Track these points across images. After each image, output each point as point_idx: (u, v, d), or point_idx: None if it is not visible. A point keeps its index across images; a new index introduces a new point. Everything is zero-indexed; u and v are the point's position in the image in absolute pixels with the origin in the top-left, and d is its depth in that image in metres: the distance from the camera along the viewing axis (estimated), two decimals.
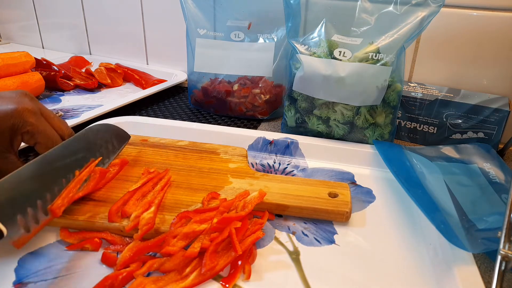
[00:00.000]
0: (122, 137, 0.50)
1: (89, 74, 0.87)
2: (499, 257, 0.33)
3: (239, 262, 0.35)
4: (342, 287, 0.35)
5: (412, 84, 0.67)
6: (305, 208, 0.43)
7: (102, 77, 0.86)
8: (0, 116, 0.38)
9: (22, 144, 0.42)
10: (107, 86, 0.86)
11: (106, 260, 0.36)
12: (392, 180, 0.51)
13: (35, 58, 0.79)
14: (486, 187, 0.47)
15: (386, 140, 0.58)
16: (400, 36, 0.54)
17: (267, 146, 0.58)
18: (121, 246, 0.37)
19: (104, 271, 0.35)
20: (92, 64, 0.98)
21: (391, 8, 0.55)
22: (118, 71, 0.89)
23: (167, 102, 0.81)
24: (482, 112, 0.58)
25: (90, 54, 1.08)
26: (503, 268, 0.32)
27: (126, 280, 0.33)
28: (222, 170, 0.49)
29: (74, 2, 1.02)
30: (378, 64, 0.54)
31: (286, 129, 0.64)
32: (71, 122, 0.61)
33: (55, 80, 0.80)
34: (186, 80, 0.84)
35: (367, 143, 0.58)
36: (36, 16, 1.13)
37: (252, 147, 0.58)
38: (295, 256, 0.38)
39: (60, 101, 0.77)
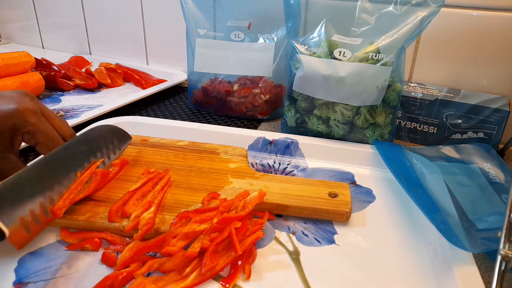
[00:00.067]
0: (123, 138, 0.50)
1: (89, 74, 0.87)
2: (499, 257, 0.33)
3: (239, 262, 0.35)
4: (342, 287, 0.35)
5: (412, 84, 0.67)
6: (305, 208, 0.43)
7: (102, 77, 0.86)
8: (0, 116, 0.38)
9: (23, 144, 0.42)
10: (107, 86, 0.86)
11: (106, 260, 0.36)
12: (392, 180, 0.51)
13: (35, 58, 0.79)
14: (486, 187, 0.47)
15: (386, 140, 0.58)
16: (400, 36, 0.54)
17: (267, 146, 0.58)
18: (121, 246, 0.37)
19: (104, 271, 0.35)
20: (92, 64, 0.98)
21: (391, 8, 0.55)
22: (118, 71, 0.89)
23: (167, 102, 0.81)
24: (482, 112, 0.58)
25: (90, 54, 1.08)
26: (503, 268, 0.32)
27: (126, 280, 0.33)
28: (222, 170, 0.49)
29: (74, 2, 1.02)
30: (378, 64, 0.54)
31: (286, 129, 0.64)
32: (71, 122, 0.61)
33: (55, 80, 0.80)
34: (186, 80, 0.84)
35: (367, 143, 0.58)
36: (36, 16, 1.13)
37: (252, 147, 0.58)
38: (295, 256, 0.38)
39: (60, 101, 0.77)
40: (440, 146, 0.58)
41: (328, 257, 0.38)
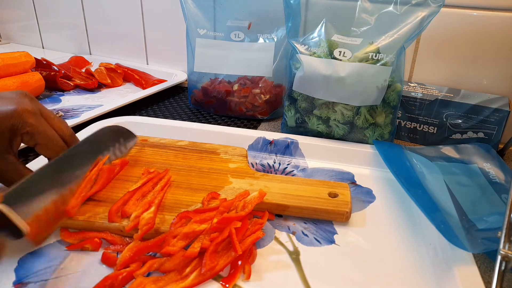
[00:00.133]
0: (129, 137, 0.51)
1: (89, 74, 0.87)
2: (499, 257, 0.33)
3: (239, 262, 0.35)
4: (342, 287, 0.35)
5: (412, 84, 0.67)
6: (305, 208, 0.43)
7: (102, 77, 0.86)
8: None
9: (22, 144, 0.42)
10: (107, 86, 0.86)
11: (106, 260, 0.36)
12: (392, 180, 0.51)
13: (35, 58, 0.79)
14: (486, 187, 0.47)
15: (386, 140, 0.58)
16: (400, 36, 0.54)
17: (267, 146, 0.58)
18: (121, 246, 0.37)
19: (104, 271, 0.35)
20: (92, 64, 0.98)
21: (391, 8, 0.55)
22: (118, 71, 0.89)
23: (167, 102, 0.81)
24: (482, 112, 0.58)
25: (90, 54, 1.08)
26: (503, 268, 0.32)
27: (126, 280, 0.33)
28: (222, 170, 0.49)
29: (74, 2, 1.02)
30: (378, 64, 0.54)
31: (286, 129, 0.64)
32: (71, 122, 0.61)
33: (55, 80, 0.80)
34: (186, 80, 0.84)
35: (367, 143, 0.58)
36: (36, 16, 1.13)
37: (252, 147, 0.58)
38: (295, 256, 0.38)
39: (60, 101, 0.77)
40: (440, 146, 0.58)
41: (328, 257, 0.38)
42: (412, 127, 0.64)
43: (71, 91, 0.82)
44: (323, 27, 0.59)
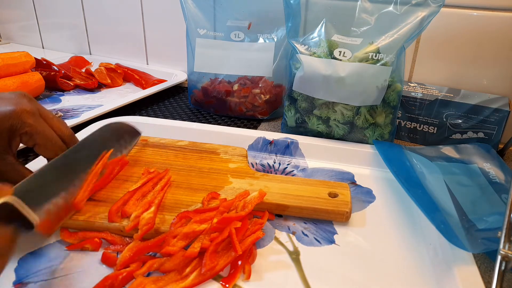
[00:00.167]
0: (133, 133, 0.52)
1: (89, 74, 0.87)
2: (499, 257, 0.33)
3: (239, 262, 0.35)
4: (342, 287, 0.35)
5: (412, 84, 0.67)
6: (305, 208, 0.43)
7: (102, 77, 0.86)
8: None
9: (21, 145, 0.42)
10: (107, 86, 0.86)
11: (106, 260, 0.36)
12: (392, 180, 0.51)
13: (35, 58, 0.79)
14: (486, 187, 0.47)
15: (386, 140, 0.58)
16: (400, 36, 0.54)
17: (267, 146, 0.58)
18: (121, 246, 0.37)
19: (104, 271, 0.35)
20: (92, 64, 0.98)
21: (391, 8, 0.55)
22: (118, 71, 0.89)
23: (167, 102, 0.81)
24: (482, 112, 0.58)
25: (90, 54, 1.08)
26: (503, 268, 0.32)
27: (126, 280, 0.33)
28: (222, 170, 0.49)
29: (74, 2, 1.02)
30: (378, 64, 0.54)
31: (286, 129, 0.64)
32: (71, 122, 0.61)
33: (55, 80, 0.80)
34: (186, 80, 0.84)
35: (367, 143, 0.58)
36: (36, 16, 1.13)
37: (252, 147, 0.58)
38: (295, 256, 0.38)
39: (60, 101, 0.77)
40: (440, 146, 0.58)
41: (328, 257, 0.38)
42: (412, 127, 0.64)
43: (71, 91, 0.82)
44: (323, 27, 0.59)
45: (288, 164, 0.56)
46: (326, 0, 0.70)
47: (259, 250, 0.39)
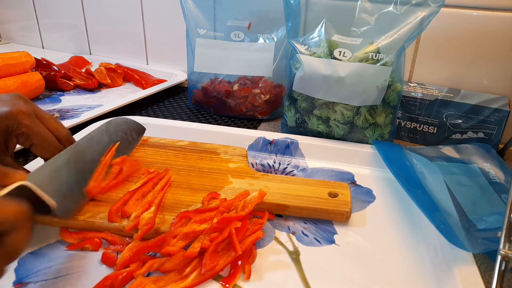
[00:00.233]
0: (138, 129, 0.53)
1: (89, 74, 0.87)
2: (499, 257, 0.33)
3: (239, 262, 0.35)
4: (342, 287, 0.35)
5: (412, 84, 0.67)
6: (305, 208, 0.43)
7: (102, 77, 0.86)
8: None
9: (19, 146, 0.42)
10: (107, 86, 0.86)
11: (106, 260, 0.36)
12: (392, 180, 0.51)
13: (35, 58, 0.79)
14: (486, 187, 0.47)
15: (386, 140, 0.58)
16: (400, 36, 0.54)
17: (267, 146, 0.58)
18: (121, 246, 0.37)
19: (104, 271, 0.35)
20: (92, 64, 0.98)
21: (391, 8, 0.55)
22: (118, 71, 0.89)
23: (167, 102, 0.81)
24: (482, 112, 0.58)
25: (90, 54, 1.08)
26: (503, 268, 0.32)
27: (126, 280, 0.33)
28: (222, 170, 0.49)
29: (74, 2, 1.02)
30: (378, 64, 0.54)
31: (286, 129, 0.64)
32: (71, 122, 0.61)
33: (55, 80, 0.80)
34: (186, 80, 0.84)
35: (367, 143, 0.58)
36: (36, 16, 1.13)
37: (252, 147, 0.58)
38: (295, 256, 0.38)
39: (60, 101, 0.77)
40: (440, 146, 0.58)
41: (328, 257, 0.38)
42: (412, 127, 0.64)
43: (71, 91, 0.82)
44: (323, 27, 0.59)
45: (288, 164, 0.56)
46: (326, 0, 0.70)
47: (259, 250, 0.39)
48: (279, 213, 0.44)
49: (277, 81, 0.72)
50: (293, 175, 0.53)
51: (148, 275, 0.34)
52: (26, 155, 0.55)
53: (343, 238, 0.41)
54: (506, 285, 0.34)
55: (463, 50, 0.66)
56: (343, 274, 0.36)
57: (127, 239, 0.39)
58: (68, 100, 0.77)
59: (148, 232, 0.37)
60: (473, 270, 0.34)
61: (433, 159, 0.53)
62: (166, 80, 0.87)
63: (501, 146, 0.60)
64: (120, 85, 0.88)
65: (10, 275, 0.34)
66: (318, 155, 0.57)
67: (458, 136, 0.61)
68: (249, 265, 0.36)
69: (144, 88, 0.84)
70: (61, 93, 0.81)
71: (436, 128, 0.62)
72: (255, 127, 0.69)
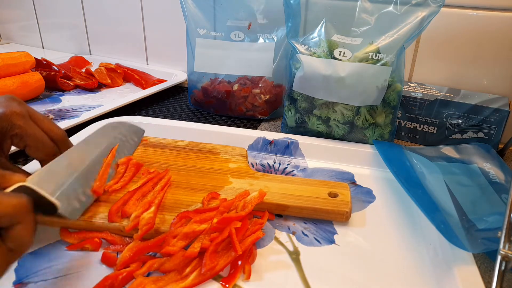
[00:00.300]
0: (138, 131, 0.52)
1: (89, 74, 0.87)
2: (499, 257, 0.33)
3: (239, 262, 0.35)
4: (342, 287, 0.35)
5: (412, 84, 0.67)
6: (305, 208, 0.43)
7: (102, 77, 0.86)
8: None
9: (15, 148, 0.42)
10: (107, 86, 0.86)
11: (106, 260, 0.36)
12: (392, 180, 0.51)
13: (35, 58, 0.79)
14: (486, 187, 0.47)
15: (386, 140, 0.58)
16: (400, 36, 0.54)
17: (267, 146, 0.58)
18: (121, 246, 0.37)
19: (104, 271, 0.35)
20: (92, 64, 0.98)
21: (391, 8, 0.55)
22: (118, 71, 0.89)
23: (167, 102, 0.81)
24: (482, 112, 0.58)
25: (90, 54, 1.08)
26: (503, 268, 0.32)
27: (126, 280, 0.33)
28: (222, 170, 0.49)
29: (74, 2, 1.02)
30: (378, 64, 0.54)
31: (286, 129, 0.64)
32: (71, 122, 0.61)
33: (55, 80, 0.80)
34: (186, 80, 0.84)
35: (367, 143, 0.58)
36: (36, 16, 1.13)
37: (252, 147, 0.58)
38: (295, 256, 0.38)
39: (60, 101, 0.77)
40: (440, 146, 0.58)
41: (328, 257, 0.38)
42: (412, 127, 0.64)
43: (71, 91, 0.82)
44: (323, 27, 0.59)
45: (288, 164, 0.56)
46: (326, 0, 0.70)
47: (259, 250, 0.39)
48: (279, 213, 0.44)
49: (277, 81, 0.72)
50: (293, 175, 0.53)
51: (148, 275, 0.34)
52: (26, 156, 0.55)
53: (343, 238, 0.41)
54: (506, 285, 0.34)
55: (463, 50, 0.66)
56: (343, 274, 0.36)
57: (127, 239, 0.39)
58: (68, 100, 0.77)
59: (148, 232, 0.37)
60: (473, 270, 0.34)
61: (433, 159, 0.53)
62: (166, 80, 0.87)
63: (501, 146, 0.60)
64: (120, 85, 0.88)
65: (10, 275, 0.34)
66: (318, 155, 0.57)
67: (458, 136, 0.61)
68: (249, 265, 0.36)
69: (144, 88, 0.84)
70: (61, 93, 0.81)
71: (436, 128, 0.62)
72: (255, 127, 0.69)
